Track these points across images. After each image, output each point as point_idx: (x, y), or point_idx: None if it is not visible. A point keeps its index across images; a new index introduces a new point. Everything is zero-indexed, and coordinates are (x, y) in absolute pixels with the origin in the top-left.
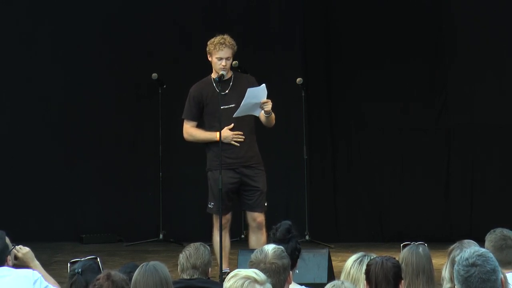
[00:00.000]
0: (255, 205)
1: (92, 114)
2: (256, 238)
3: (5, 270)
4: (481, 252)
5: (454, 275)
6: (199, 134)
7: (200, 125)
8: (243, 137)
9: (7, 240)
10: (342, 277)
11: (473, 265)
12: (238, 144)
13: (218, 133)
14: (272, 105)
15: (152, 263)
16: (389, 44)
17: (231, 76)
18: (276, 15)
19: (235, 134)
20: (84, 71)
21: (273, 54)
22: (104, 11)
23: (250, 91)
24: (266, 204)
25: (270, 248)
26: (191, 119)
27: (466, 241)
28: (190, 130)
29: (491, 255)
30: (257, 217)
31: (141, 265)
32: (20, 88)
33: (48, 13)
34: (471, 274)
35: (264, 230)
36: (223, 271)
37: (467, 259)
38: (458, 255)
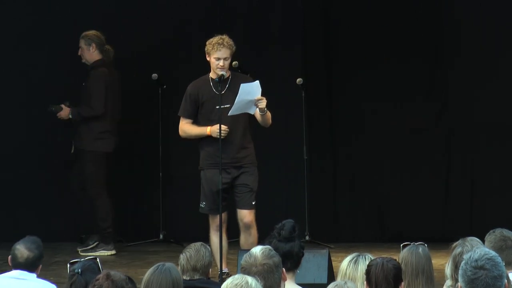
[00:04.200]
0: (242, 202)
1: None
2: (244, 238)
3: (32, 276)
4: (491, 255)
5: (460, 273)
6: (191, 130)
7: (195, 123)
8: (227, 129)
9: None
10: (338, 278)
11: (482, 268)
12: (223, 136)
13: (208, 128)
14: (272, 105)
15: (167, 264)
16: (389, 43)
17: (229, 76)
18: (276, 15)
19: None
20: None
21: (273, 54)
22: (104, 11)
23: (244, 87)
24: (254, 203)
25: (258, 249)
26: (187, 116)
27: (469, 238)
28: (184, 127)
29: (500, 259)
30: (244, 217)
31: (156, 265)
32: (20, 87)
33: (47, 12)
34: (478, 277)
35: (252, 230)
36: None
37: (476, 260)
38: (466, 252)
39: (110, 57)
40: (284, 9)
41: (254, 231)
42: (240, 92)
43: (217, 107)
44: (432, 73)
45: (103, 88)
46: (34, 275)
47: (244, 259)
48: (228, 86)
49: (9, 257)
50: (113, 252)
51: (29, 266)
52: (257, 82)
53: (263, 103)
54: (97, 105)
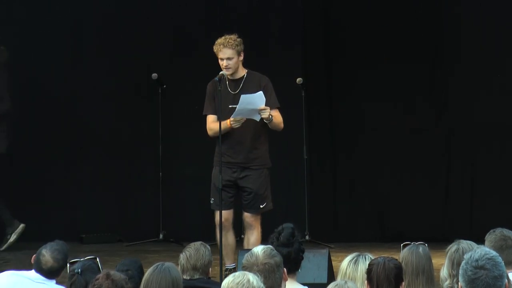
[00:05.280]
0: (248, 206)
1: (92, 114)
2: (246, 237)
3: (51, 284)
4: (491, 255)
5: (461, 273)
6: (216, 126)
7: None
8: (242, 119)
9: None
10: (338, 278)
11: (482, 268)
12: (237, 126)
13: (228, 120)
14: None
15: (166, 264)
16: (389, 44)
17: (244, 75)
18: (276, 15)
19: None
20: (84, 71)
21: (273, 54)
22: (104, 10)
23: (244, 98)
24: (262, 206)
25: (260, 249)
26: (211, 113)
27: (464, 241)
28: (211, 125)
29: (500, 259)
30: (245, 217)
31: (155, 265)
32: (19, 87)
33: (47, 12)
34: (478, 276)
35: (254, 230)
36: (228, 267)
37: (477, 260)
38: (462, 249)
39: (5, 57)
40: (284, 9)
41: (256, 232)
42: (240, 101)
43: (229, 106)
44: (432, 73)
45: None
46: (53, 282)
47: (246, 258)
48: (242, 86)
49: (34, 256)
50: None
51: (50, 274)
52: (261, 93)
53: (266, 114)
54: (7, 100)
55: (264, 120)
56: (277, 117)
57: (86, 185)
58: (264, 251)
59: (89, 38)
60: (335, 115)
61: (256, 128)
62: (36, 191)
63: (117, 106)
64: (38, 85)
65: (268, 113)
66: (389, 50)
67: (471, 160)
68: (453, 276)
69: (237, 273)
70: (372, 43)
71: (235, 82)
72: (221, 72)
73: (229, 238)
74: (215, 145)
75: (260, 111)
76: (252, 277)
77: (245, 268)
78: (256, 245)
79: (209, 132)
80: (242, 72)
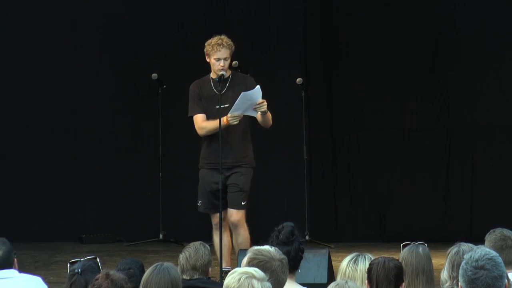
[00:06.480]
0: (231, 202)
1: (92, 114)
2: (234, 237)
3: (13, 272)
4: (491, 255)
5: (461, 273)
6: (209, 124)
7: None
8: (241, 116)
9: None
10: (338, 278)
11: (482, 268)
12: (236, 122)
13: (225, 117)
14: (272, 105)
15: (165, 264)
16: (389, 44)
17: (229, 76)
18: (276, 15)
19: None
20: (84, 71)
21: (273, 54)
22: (104, 11)
23: (244, 95)
24: (244, 203)
25: (268, 247)
26: (199, 112)
27: (465, 243)
28: (202, 124)
29: (500, 260)
30: (230, 216)
31: (154, 265)
32: (20, 88)
33: (47, 12)
34: (478, 277)
35: (241, 230)
36: (224, 269)
37: (477, 260)
38: (463, 252)
39: None
40: (284, 9)
41: (243, 231)
42: (239, 98)
43: (216, 107)
44: (432, 73)
45: None
46: (15, 271)
47: (262, 253)
48: (228, 86)
49: None
50: None
51: (4, 264)
52: (258, 87)
53: (264, 107)
54: None
55: (261, 114)
56: (268, 112)
57: (86, 185)
58: (275, 249)
59: (90, 38)
60: (335, 115)
61: (244, 128)
62: (36, 191)
63: (117, 106)
64: (38, 84)
65: (266, 107)
66: (389, 50)
67: (471, 160)
68: (453, 278)
69: (242, 276)
70: (372, 43)
71: (221, 83)
72: (220, 73)
73: (224, 240)
74: (207, 146)
75: (258, 105)
76: (257, 284)
77: (264, 262)
78: (245, 244)
79: (201, 132)
80: (228, 72)
